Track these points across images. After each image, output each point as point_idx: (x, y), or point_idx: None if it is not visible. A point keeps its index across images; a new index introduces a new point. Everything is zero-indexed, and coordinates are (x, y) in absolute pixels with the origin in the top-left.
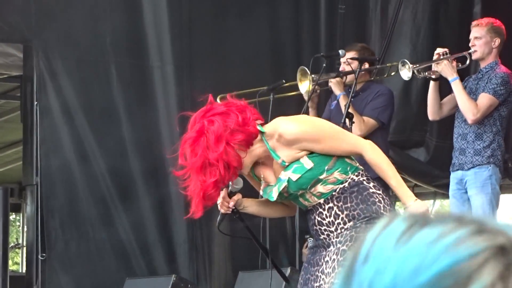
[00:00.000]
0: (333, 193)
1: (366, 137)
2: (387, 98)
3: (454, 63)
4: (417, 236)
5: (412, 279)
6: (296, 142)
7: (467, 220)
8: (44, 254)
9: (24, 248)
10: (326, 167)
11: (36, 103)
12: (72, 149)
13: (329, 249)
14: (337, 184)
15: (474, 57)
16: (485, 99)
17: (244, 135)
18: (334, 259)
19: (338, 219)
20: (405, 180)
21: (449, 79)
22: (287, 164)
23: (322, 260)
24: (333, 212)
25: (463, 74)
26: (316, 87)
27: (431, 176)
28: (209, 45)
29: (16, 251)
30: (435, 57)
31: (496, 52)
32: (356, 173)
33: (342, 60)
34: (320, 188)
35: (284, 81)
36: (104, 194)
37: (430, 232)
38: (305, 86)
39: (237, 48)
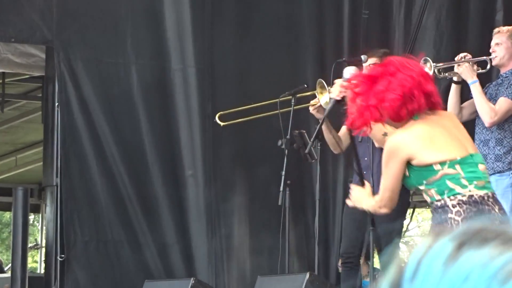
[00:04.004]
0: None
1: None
2: None
3: (475, 67)
4: (464, 258)
5: None
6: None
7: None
8: (63, 255)
9: (43, 249)
10: (425, 182)
11: (57, 104)
12: (92, 151)
13: None
14: (432, 200)
15: (494, 62)
16: (503, 103)
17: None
18: None
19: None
20: None
21: (469, 81)
22: None
23: None
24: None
25: (485, 81)
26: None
27: None
28: (231, 48)
29: (35, 251)
30: (457, 58)
31: None
32: (452, 197)
33: (364, 65)
34: (424, 195)
35: (306, 85)
36: (123, 196)
37: (476, 254)
38: (325, 98)
39: (259, 52)
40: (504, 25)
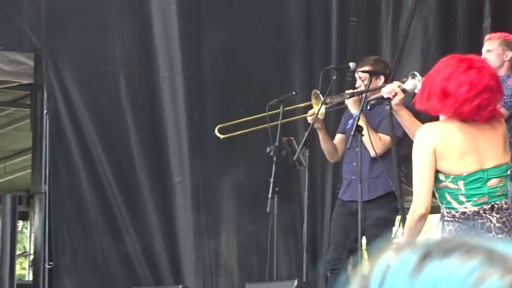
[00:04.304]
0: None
1: (381, 155)
2: None
3: None
4: (429, 270)
5: None
6: None
7: (475, 248)
8: (51, 263)
9: (31, 256)
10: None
11: (45, 111)
12: (80, 158)
13: None
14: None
15: None
16: None
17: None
18: None
19: None
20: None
21: None
22: None
23: None
24: None
25: None
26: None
27: None
28: (219, 55)
29: (23, 258)
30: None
31: (508, 65)
32: (447, 210)
33: (359, 75)
34: None
35: (294, 93)
36: (112, 204)
37: (441, 265)
38: (321, 108)
39: (247, 60)
40: (491, 32)
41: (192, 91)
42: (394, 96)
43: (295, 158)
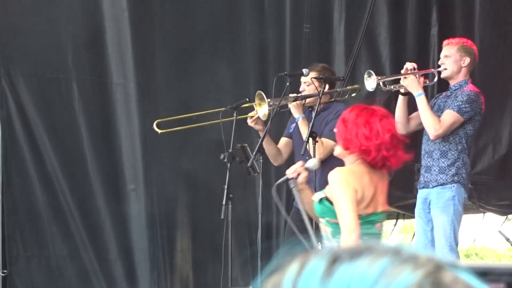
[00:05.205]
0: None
1: (327, 158)
2: None
3: (422, 79)
4: (339, 273)
5: None
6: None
7: (382, 250)
8: (5, 271)
9: None
10: (327, 218)
11: None
12: (33, 166)
13: None
14: (324, 239)
15: (442, 75)
16: (448, 115)
17: None
18: None
19: None
20: None
21: (414, 94)
22: None
23: None
24: None
25: (435, 92)
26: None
27: (392, 197)
28: (172, 62)
29: None
30: (403, 71)
31: (465, 71)
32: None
33: (302, 80)
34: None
35: (247, 99)
36: (65, 211)
37: (351, 267)
38: (263, 110)
39: (201, 66)
40: (439, 40)
41: (145, 98)
42: (298, 175)
43: (249, 164)
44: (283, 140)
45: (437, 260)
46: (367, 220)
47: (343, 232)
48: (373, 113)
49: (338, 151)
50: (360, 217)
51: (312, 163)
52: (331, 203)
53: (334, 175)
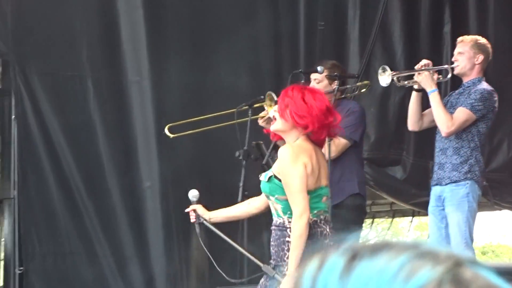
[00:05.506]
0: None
1: (339, 156)
2: (358, 115)
3: (435, 76)
4: (359, 269)
5: None
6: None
7: (401, 246)
8: (21, 268)
9: (2, 262)
10: (276, 196)
11: (13, 117)
12: (49, 163)
13: None
14: (275, 215)
15: (455, 71)
16: (461, 113)
17: None
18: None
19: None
20: (383, 198)
21: (428, 90)
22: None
23: None
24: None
25: (449, 90)
26: None
27: (407, 194)
28: (187, 60)
29: None
30: (417, 66)
31: (479, 69)
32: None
33: (313, 77)
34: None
35: (262, 97)
36: (81, 209)
37: (370, 264)
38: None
39: (215, 65)
40: (452, 37)
41: (160, 96)
42: (196, 215)
43: (264, 162)
44: None
45: (457, 256)
46: (316, 195)
47: (295, 214)
48: (309, 90)
49: (280, 126)
50: (309, 192)
51: (192, 194)
52: (280, 180)
53: (284, 150)
